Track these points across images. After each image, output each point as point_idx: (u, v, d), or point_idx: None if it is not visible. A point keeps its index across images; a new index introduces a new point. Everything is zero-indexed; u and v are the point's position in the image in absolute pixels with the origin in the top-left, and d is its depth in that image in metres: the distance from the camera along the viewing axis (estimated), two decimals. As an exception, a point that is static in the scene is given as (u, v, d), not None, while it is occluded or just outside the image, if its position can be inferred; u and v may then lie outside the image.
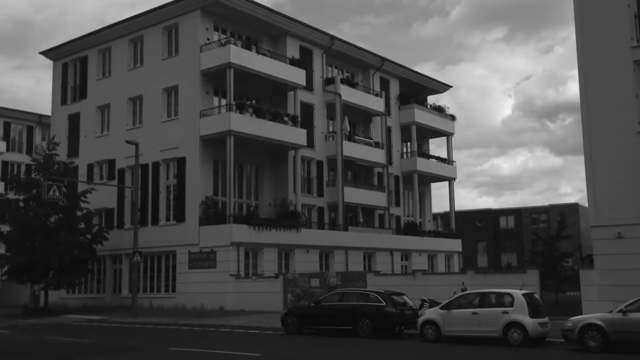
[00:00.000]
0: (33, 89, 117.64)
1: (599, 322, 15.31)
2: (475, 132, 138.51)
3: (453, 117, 48.58)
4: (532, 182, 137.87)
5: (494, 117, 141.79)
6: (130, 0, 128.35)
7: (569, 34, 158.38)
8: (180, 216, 32.80)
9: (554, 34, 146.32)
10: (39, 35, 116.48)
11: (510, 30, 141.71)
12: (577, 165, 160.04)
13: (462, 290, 21.16)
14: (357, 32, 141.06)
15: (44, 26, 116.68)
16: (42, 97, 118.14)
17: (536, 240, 38.67)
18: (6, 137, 51.44)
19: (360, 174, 42.15)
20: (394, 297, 19.57)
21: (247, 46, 33.69)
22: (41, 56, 41.68)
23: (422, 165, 44.95)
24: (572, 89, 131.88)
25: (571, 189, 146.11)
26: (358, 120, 41.94)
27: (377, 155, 41.30)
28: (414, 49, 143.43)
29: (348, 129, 39.52)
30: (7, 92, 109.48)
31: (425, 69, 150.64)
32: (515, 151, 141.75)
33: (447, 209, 48.93)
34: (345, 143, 38.92)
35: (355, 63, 42.58)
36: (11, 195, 36.59)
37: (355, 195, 39.21)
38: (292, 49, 36.80)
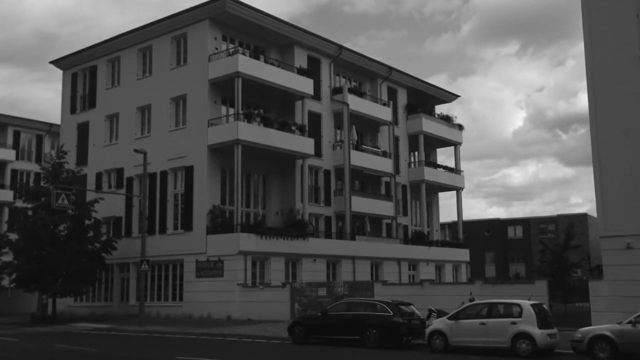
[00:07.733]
0: (54, 101, 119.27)
1: (608, 334, 15.19)
2: (486, 143, 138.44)
3: (461, 127, 48.48)
4: (543, 193, 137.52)
5: (505, 128, 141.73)
6: (153, 15, 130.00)
7: (581, 48, 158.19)
8: (187, 225, 32.87)
9: (566, 48, 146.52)
10: (62, 49, 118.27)
11: (522, 45, 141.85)
12: (588, 176, 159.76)
13: (470, 301, 21.09)
14: (372, 45, 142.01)
15: (68, 40, 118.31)
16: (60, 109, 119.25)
17: (544, 251, 38.48)
18: (16, 146, 51.84)
19: (368, 183, 42.12)
20: (402, 307, 19.51)
21: (255, 56, 33.83)
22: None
23: (430, 174, 44.88)
24: (584, 101, 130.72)
25: (582, 199, 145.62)
26: (365, 130, 41.96)
27: (384, 165, 41.29)
28: (427, 62, 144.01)
29: (355, 138, 39.54)
30: (29, 103, 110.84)
31: (438, 80, 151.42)
32: (526, 162, 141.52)
33: (455, 218, 48.81)
34: (353, 152, 38.93)
35: (363, 72, 42.65)
36: (20, 204, 36.74)
37: (362, 204, 39.17)
38: (300, 59, 36.91)
